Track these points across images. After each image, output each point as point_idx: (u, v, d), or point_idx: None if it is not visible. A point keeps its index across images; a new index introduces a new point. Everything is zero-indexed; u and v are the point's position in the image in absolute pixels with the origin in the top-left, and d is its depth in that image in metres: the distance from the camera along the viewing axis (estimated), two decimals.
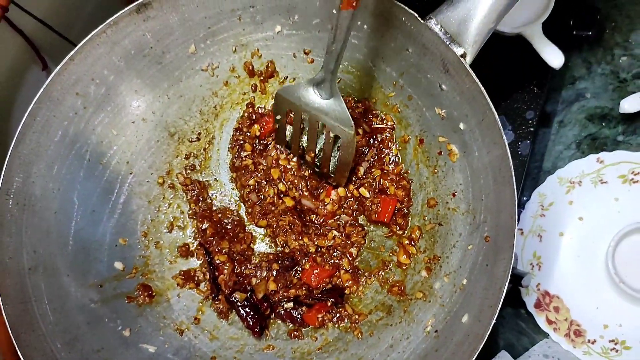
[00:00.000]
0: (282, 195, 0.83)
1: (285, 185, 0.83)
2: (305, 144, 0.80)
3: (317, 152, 0.80)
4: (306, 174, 0.83)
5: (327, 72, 0.68)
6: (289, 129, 0.81)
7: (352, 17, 0.60)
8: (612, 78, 0.95)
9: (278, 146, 0.83)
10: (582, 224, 0.89)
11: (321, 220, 0.83)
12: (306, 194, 0.82)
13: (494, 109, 0.65)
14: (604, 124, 0.94)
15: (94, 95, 0.77)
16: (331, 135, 0.74)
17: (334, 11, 0.60)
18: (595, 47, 0.96)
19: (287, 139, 0.82)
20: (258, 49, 0.83)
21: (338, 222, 0.83)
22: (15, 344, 0.65)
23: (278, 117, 0.79)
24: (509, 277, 0.62)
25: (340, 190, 0.82)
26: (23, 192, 0.72)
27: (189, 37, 0.79)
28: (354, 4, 0.59)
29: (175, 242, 0.85)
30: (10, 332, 0.66)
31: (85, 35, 0.73)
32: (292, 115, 0.77)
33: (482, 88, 0.66)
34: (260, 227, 0.85)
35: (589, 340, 0.85)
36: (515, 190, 0.63)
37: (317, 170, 0.82)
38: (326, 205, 0.82)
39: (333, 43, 0.64)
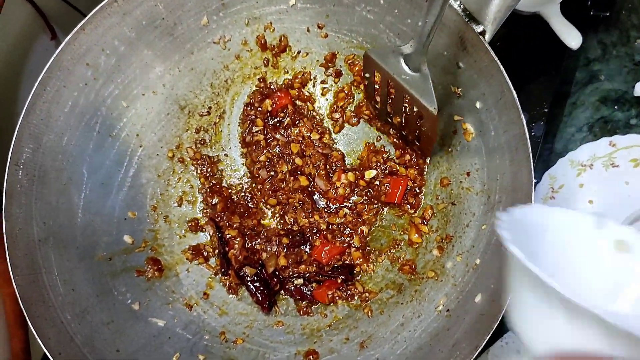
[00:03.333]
0: (296, 173, 0.82)
1: (302, 161, 0.82)
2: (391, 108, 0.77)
3: (402, 119, 0.76)
4: (327, 152, 0.82)
5: (419, 45, 0.64)
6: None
7: None
8: (627, 60, 0.94)
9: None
10: (592, 207, 0.89)
11: (330, 205, 0.83)
12: (322, 173, 0.82)
13: (512, 88, 0.64)
14: (617, 107, 0.93)
15: (105, 66, 0.76)
16: (414, 108, 0.71)
17: None
18: (611, 28, 0.95)
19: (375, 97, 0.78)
20: (271, 23, 0.81)
21: (349, 202, 0.83)
22: (26, 315, 0.65)
23: (367, 75, 0.75)
24: None
25: (350, 174, 0.82)
26: (33, 163, 0.71)
27: (202, 9, 0.78)
28: None
29: (184, 216, 0.84)
30: (21, 303, 0.65)
31: (95, 5, 0.72)
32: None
33: (501, 66, 0.65)
34: (270, 205, 0.84)
35: None
36: (533, 170, 0.63)
37: (403, 134, 0.79)
38: (337, 188, 0.82)
39: (427, 16, 0.60)
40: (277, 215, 0.84)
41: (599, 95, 0.94)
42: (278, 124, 0.84)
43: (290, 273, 0.80)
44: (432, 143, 0.75)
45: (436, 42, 0.72)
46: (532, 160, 0.63)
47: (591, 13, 0.90)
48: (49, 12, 0.86)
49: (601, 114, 0.93)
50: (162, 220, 0.83)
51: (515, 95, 0.64)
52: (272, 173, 0.83)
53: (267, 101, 0.83)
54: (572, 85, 0.95)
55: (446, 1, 0.58)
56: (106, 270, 0.76)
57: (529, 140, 0.63)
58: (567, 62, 0.93)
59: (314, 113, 0.85)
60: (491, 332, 0.61)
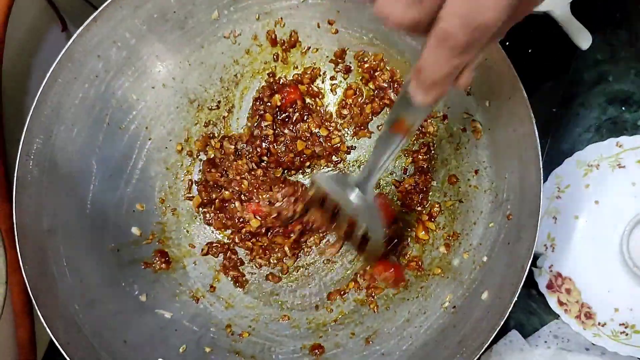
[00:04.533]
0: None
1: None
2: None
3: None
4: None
5: (367, 179, 0.64)
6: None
7: (401, 141, 0.56)
8: (635, 62, 0.94)
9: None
10: (598, 207, 0.89)
11: None
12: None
13: (522, 87, 0.65)
14: (624, 107, 0.93)
15: (115, 59, 0.76)
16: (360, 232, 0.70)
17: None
18: (620, 29, 0.95)
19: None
20: (282, 18, 0.82)
21: None
22: (35, 305, 0.65)
23: (311, 192, 0.74)
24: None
25: None
26: (43, 154, 0.71)
27: (213, 3, 0.78)
28: (404, 131, 0.55)
29: (192, 209, 0.84)
30: (30, 292, 0.65)
31: None
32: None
33: (512, 65, 0.65)
34: None
35: (599, 323, 0.86)
36: (542, 169, 0.63)
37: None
38: None
39: (379, 156, 0.60)
40: None
41: (606, 96, 0.94)
42: (287, 119, 0.84)
43: None
44: (375, 259, 0.77)
45: None
46: (540, 159, 0.63)
47: (601, 14, 0.90)
48: (59, 3, 0.86)
49: (609, 115, 0.93)
50: (170, 213, 0.83)
51: (525, 93, 0.64)
52: None
53: (276, 96, 0.84)
54: (580, 86, 0.95)
55: (397, 149, 0.57)
56: (114, 262, 0.76)
57: (538, 139, 0.64)
58: (575, 63, 0.93)
59: (323, 109, 0.85)
60: (497, 329, 0.61)
